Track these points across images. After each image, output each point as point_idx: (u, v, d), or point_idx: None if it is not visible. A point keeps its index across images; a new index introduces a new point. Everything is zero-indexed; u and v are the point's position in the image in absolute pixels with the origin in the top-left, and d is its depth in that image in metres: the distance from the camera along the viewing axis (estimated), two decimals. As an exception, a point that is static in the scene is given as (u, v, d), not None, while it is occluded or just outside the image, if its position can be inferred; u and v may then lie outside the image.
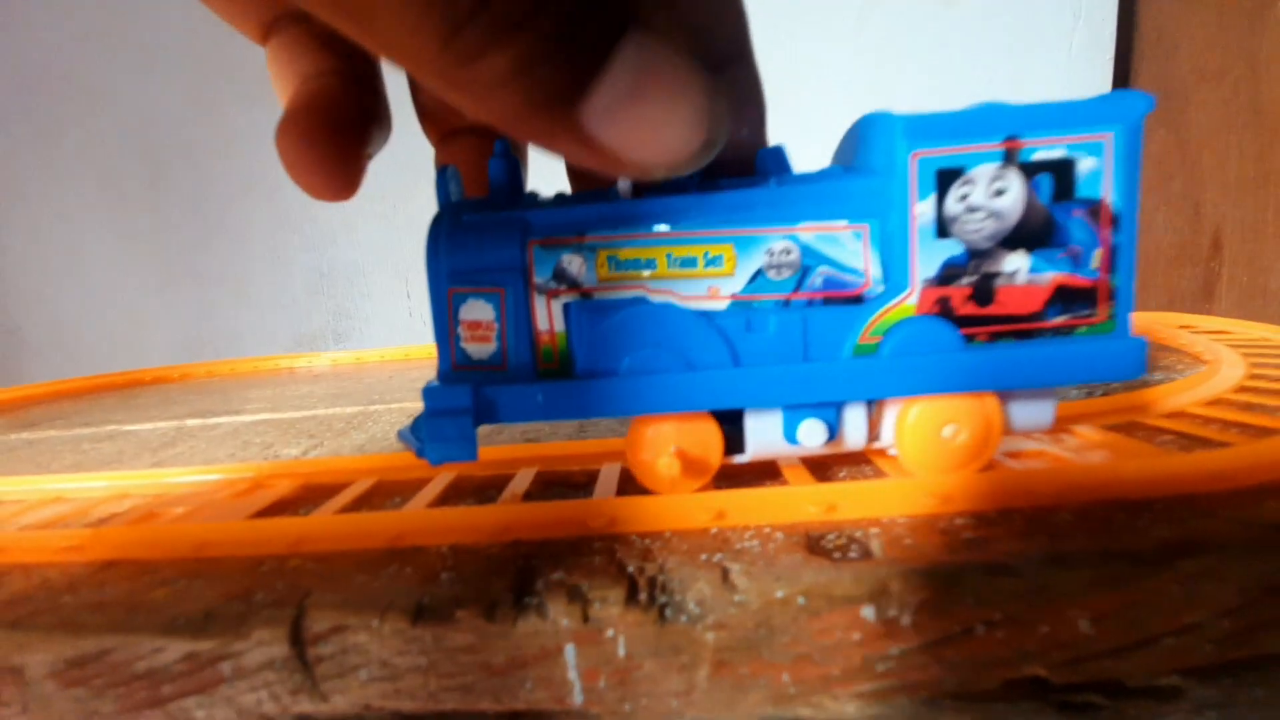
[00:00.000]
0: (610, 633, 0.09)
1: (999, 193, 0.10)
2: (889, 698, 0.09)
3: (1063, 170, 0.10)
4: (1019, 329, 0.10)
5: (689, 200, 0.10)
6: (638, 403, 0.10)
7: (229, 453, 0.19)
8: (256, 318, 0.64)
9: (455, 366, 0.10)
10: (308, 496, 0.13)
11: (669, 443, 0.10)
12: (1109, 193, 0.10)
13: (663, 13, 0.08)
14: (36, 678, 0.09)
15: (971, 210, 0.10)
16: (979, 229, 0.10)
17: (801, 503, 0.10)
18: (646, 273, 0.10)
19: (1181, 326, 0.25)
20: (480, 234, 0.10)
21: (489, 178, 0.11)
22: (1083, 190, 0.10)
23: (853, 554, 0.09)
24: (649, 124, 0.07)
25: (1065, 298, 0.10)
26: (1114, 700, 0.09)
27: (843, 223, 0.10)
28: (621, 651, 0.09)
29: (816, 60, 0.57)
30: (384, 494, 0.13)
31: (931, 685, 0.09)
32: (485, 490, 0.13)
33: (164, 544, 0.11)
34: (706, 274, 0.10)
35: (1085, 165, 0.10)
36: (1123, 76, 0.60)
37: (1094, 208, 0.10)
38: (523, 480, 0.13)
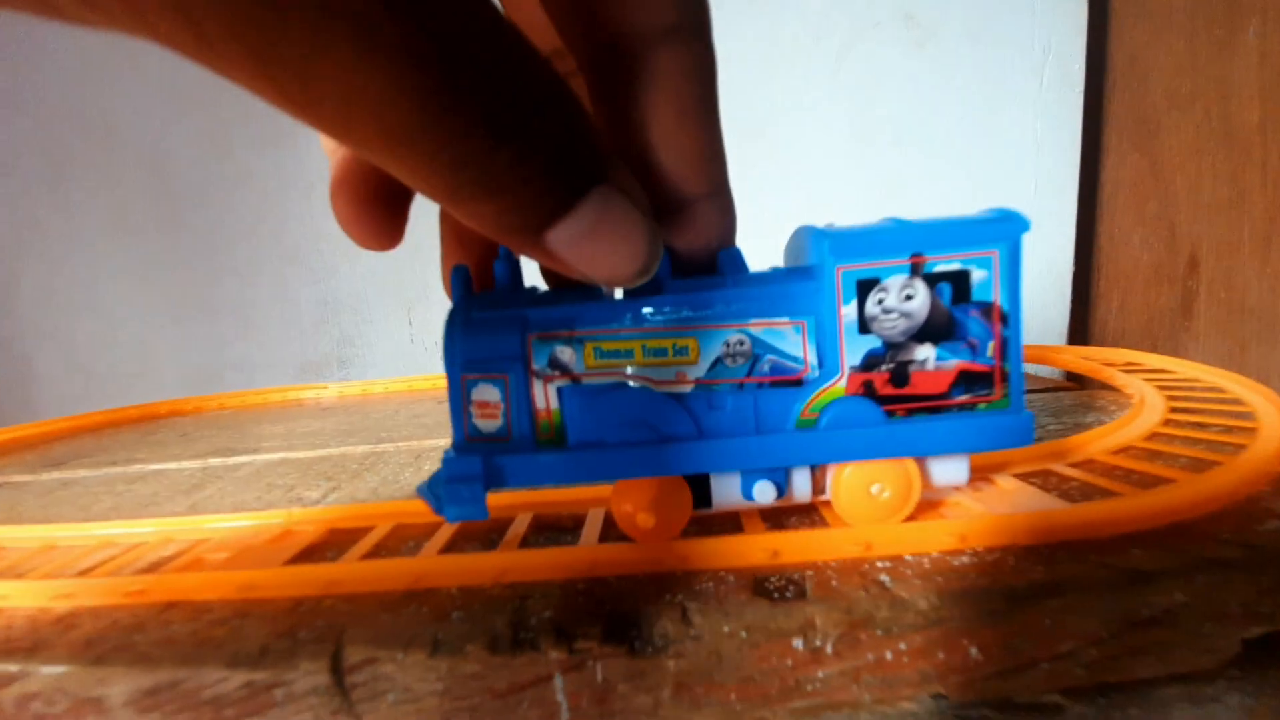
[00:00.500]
0: (590, 663, 0.11)
1: (908, 297, 0.12)
2: (818, 712, 0.11)
3: (960, 279, 0.12)
4: (930, 405, 0.12)
5: (661, 300, 0.12)
6: (621, 469, 0.12)
7: (255, 495, 0.21)
8: (264, 347, 0.66)
9: (468, 438, 0.12)
10: (334, 540, 0.15)
11: (646, 499, 0.13)
12: (998, 296, 0.12)
13: (625, 169, 0.11)
14: (115, 706, 0.11)
15: (886, 312, 0.12)
16: (893, 326, 0.12)
17: (752, 549, 0.12)
18: (626, 361, 0.12)
19: (1126, 364, 0.27)
20: (488, 329, 0.12)
21: (494, 277, 0.13)
22: (977, 295, 0.12)
23: (789, 594, 0.11)
24: (599, 254, 0.10)
25: (967, 380, 0.12)
26: (1004, 715, 0.11)
27: (785, 319, 0.12)
28: (600, 677, 0.11)
29: (798, 101, 0.60)
30: (400, 538, 0.15)
31: (851, 702, 0.11)
32: (488, 534, 0.15)
33: (217, 587, 0.13)
34: (675, 362, 0.12)
35: (978, 275, 0.12)
36: (1095, 106, 0.63)
37: (987, 308, 0.12)
38: (520, 524, 0.15)
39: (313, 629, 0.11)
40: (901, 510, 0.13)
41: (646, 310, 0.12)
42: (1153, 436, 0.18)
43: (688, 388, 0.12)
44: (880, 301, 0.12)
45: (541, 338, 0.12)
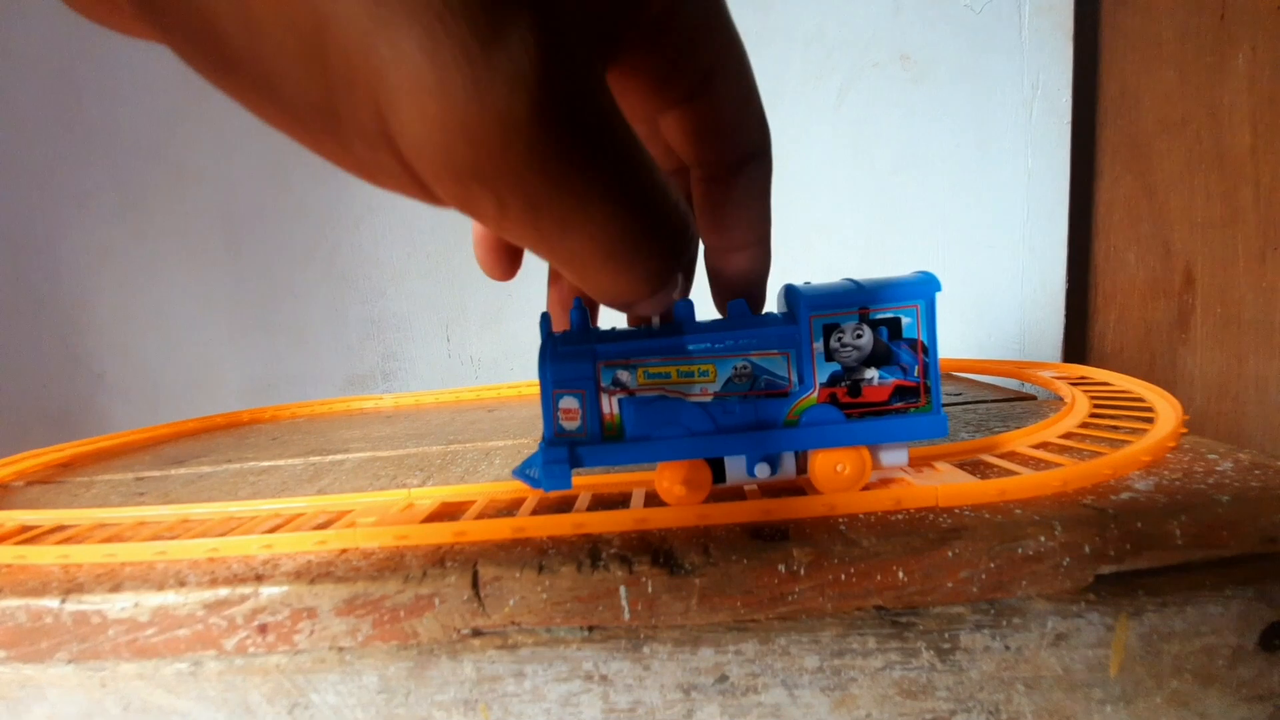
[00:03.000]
0: (643, 580, 0.16)
1: (858, 336, 0.18)
2: (795, 616, 0.16)
3: (893, 323, 0.18)
4: (876, 410, 0.18)
5: (689, 339, 0.18)
6: (662, 455, 0.18)
7: (367, 482, 0.27)
8: (315, 362, 0.73)
9: (556, 435, 0.18)
10: (447, 510, 0.21)
11: (680, 476, 0.18)
12: (921, 335, 0.18)
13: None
14: (324, 612, 0.17)
15: (844, 346, 0.18)
16: (849, 356, 0.18)
17: (751, 509, 0.18)
18: (665, 381, 0.18)
19: (1079, 378, 0.32)
20: (571, 358, 0.18)
21: (571, 321, 0.19)
22: (906, 333, 0.18)
23: (775, 537, 0.17)
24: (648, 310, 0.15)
25: (901, 392, 0.18)
26: (921, 619, 0.16)
27: (776, 351, 0.18)
28: (649, 589, 0.16)
29: (803, 135, 0.66)
30: (495, 508, 0.21)
31: (818, 610, 0.16)
32: (559, 505, 0.20)
33: (378, 537, 0.19)
34: (699, 380, 0.18)
35: (906, 321, 0.18)
36: (1087, 133, 0.68)
37: (913, 343, 0.18)
38: (584, 499, 0.21)
39: (454, 561, 0.17)
40: (858, 483, 0.18)
41: (680, 345, 0.18)
42: (1068, 435, 0.23)
43: (708, 398, 0.18)
44: (839, 339, 0.18)
45: (607, 364, 0.18)
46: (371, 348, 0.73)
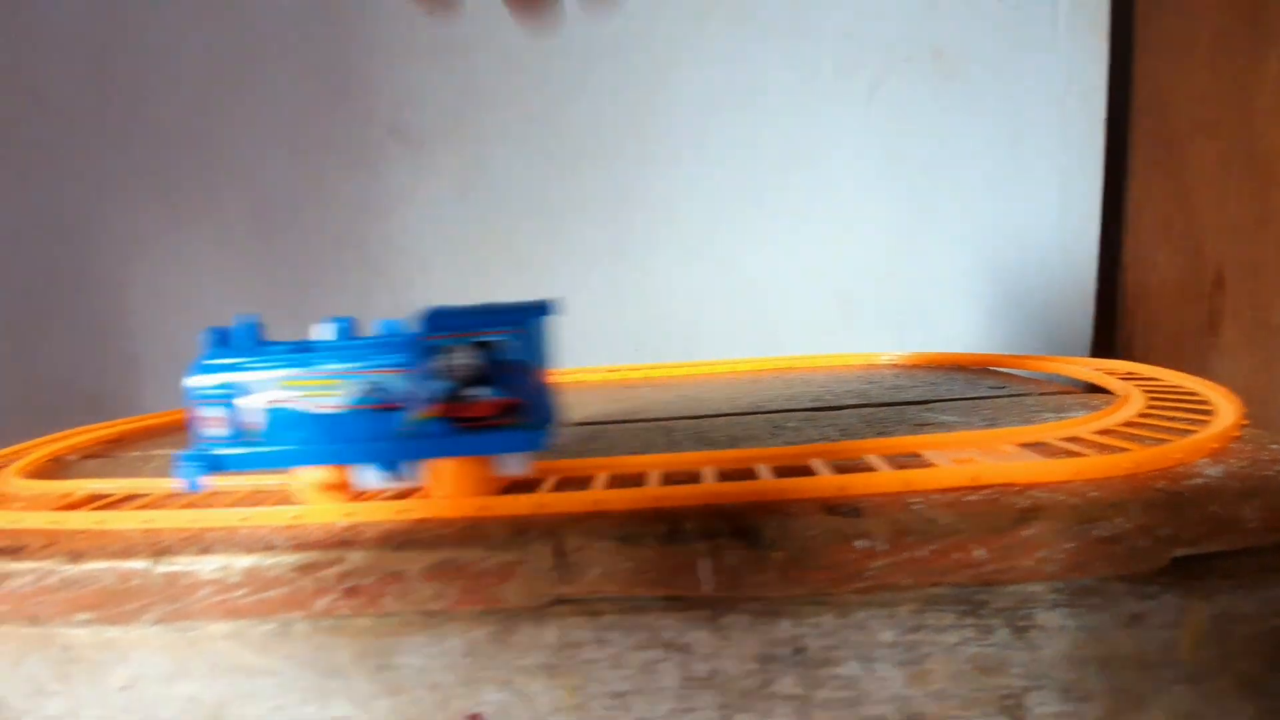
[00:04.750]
0: (723, 553, 0.16)
1: (467, 357, 0.19)
2: (872, 591, 0.17)
3: (500, 345, 0.19)
4: (485, 424, 0.19)
5: (324, 355, 0.20)
6: (294, 461, 0.19)
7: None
8: (344, 349, 0.74)
9: (202, 440, 0.19)
10: (522, 482, 0.21)
11: (315, 478, 0.20)
12: (526, 356, 0.19)
13: None
14: (411, 576, 0.17)
15: (453, 366, 0.19)
16: (459, 374, 0.19)
17: (827, 485, 0.18)
18: (301, 394, 0.19)
19: (1127, 373, 0.32)
20: (217, 370, 0.20)
21: (234, 334, 0.20)
22: (513, 355, 0.19)
23: (852, 513, 0.17)
24: None
25: (507, 409, 0.19)
26: (998, 597, 0.17)
27: (397, 369, 0.19)
28: (729, 563, 0.16)
29: (832, 131, 0.66)
30: (565, 483, 0.21)
31: (895, 585, 0.16)
32: (635, 480, 0.21)
33: (461, 508, 0.19)
34: (329, 394, 0.19)
35: (513, 344, 0.19)
36: (1119, 133, 0.67)
37: (520, 364, 0.19)
38: (655, 476, 0.21)
39: (537, 530, 0.18)
40: (473, 490, 0.19)
41: (316, 360, 0.19)
42: (1129, 424, 0.23)
43: (337, 410, 0.19)
44: (450, 359, 0.19)
45: (250, 378, 0.19)
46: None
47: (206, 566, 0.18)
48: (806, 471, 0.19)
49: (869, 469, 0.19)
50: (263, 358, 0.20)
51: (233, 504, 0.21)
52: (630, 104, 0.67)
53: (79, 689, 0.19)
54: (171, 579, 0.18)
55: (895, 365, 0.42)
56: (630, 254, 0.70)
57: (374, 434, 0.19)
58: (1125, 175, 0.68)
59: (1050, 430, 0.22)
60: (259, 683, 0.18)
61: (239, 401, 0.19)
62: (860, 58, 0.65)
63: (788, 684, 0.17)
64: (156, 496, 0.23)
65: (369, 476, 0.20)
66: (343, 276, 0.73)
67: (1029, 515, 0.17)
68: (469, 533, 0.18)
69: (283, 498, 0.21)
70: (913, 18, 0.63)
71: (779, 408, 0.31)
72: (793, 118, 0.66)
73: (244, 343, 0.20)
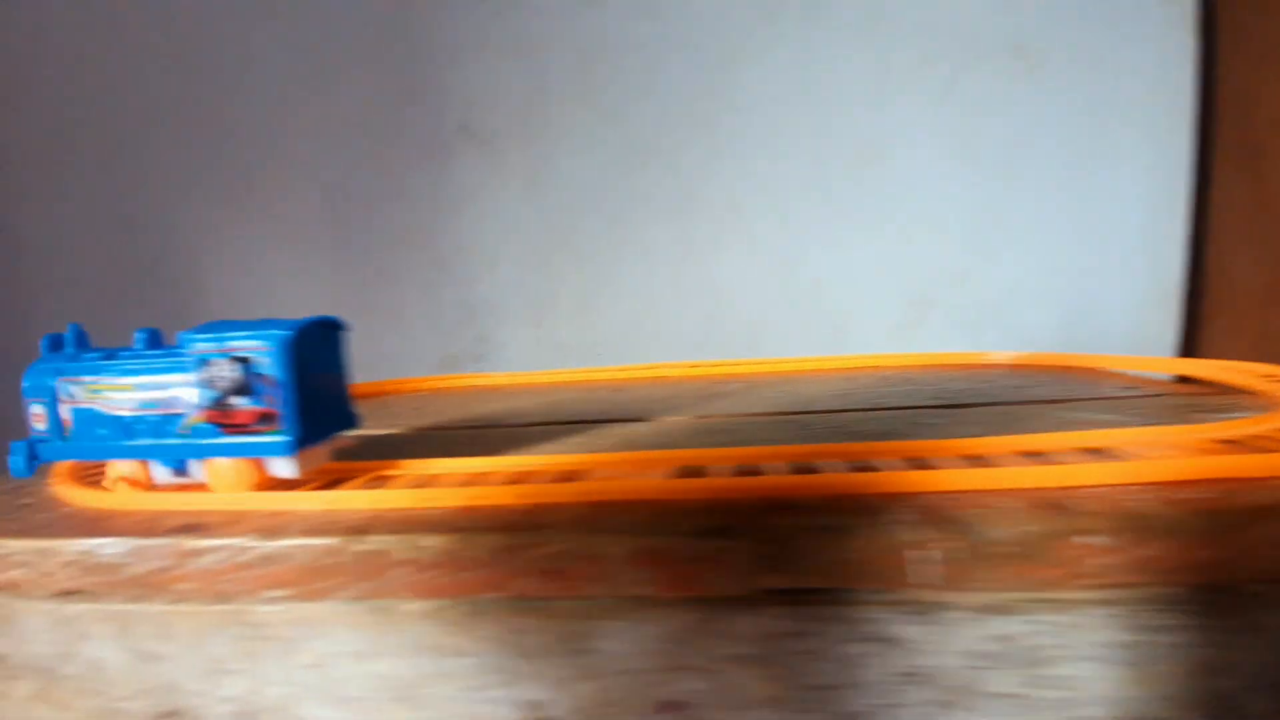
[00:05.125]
0: (941, 545, 0.16)
1: (226, 370, 0.20)
2: (1097, 589, 0.16)
3: (254, 359, 0.20)
4: (244, 429, 0.21)
5: (126, 363, 0.22)
6: (97, 454, 0.23)
7: (550, 449, 0.27)
8: (411, 342, 0.75)
9: (30, 434, 0.23)
10: (690, 464, 0.21)
11: (125, 471, 0.22)
12: (275, 371, 0.20)
13: None
14: (614, 559, 0.17)
15: (217, 377, 0.20)
16: (221, 385, 0.20)
17: (1045, 476, 0.17)
18: (100, 396, 0.22)
19: (1267, 375, 0.30)
20: (42, 373, 0.22)
21: (65, 340, 0.23)
22: (265, 370, 0.20)
23: (1073, 510, 0.16)
24: None
25: (262, 417, 0.21)
26: (1228, 597, 0.16)
27: (177, 377, 0.21)
28: (940, 556, 0.16)
29: (907, 126, 0.64)
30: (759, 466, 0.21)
31: (1120, 583, 0.16)
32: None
33: (644, 490, 0.19)
34: (123, 398, 0.22)
35: (263, 360, 0.20)
36: (1203, 132, 0.65)
37: (270, 379, 0.20)
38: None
39: (743, 518, 0.17)
40: (242, 486, 0.21)
41: (118, 368, 0.22)
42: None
43: (127, 413, 0.22)
44: (212, 370, 0.20)
45: (65, 380, 0.22)
46: (464, 331, 0.75)
47: (401, 545, 0.18)
48: (981, 464, 0.19)
49: (1063, 464, 0.19)
50: (77, 364, 0.23)
51: (409, 485, 0.21)
52: (699, 100, 0.67)
53: (263, 667, 0.19)
54: (367, 557, 0.18)
55: (1003, 365, 0.40)
56: (695, 252, 0.69)
57: (157, 434, 0.22)
58: (1208, 176, 0.66)
59: (1236, 428, 0.21)
60: (452, 663, 0.18)
61: (61, 401, 0.23)
62: (937, 51, 0.63)
63: (1007, 681, 0.16)
64: (328, 475, 0.23)
65: (159, 472, 0.23)
66: (410, 272, 0.74)
67: (1262, 513, 0.16)
68: (676, 519, 0.18)
69: (455, 480, 0.21)
70: (993, 10, 0.62)
71: (900, 404, 0.30)
72: (865, 112, 0.65)
73: (69, 348, 0.24)
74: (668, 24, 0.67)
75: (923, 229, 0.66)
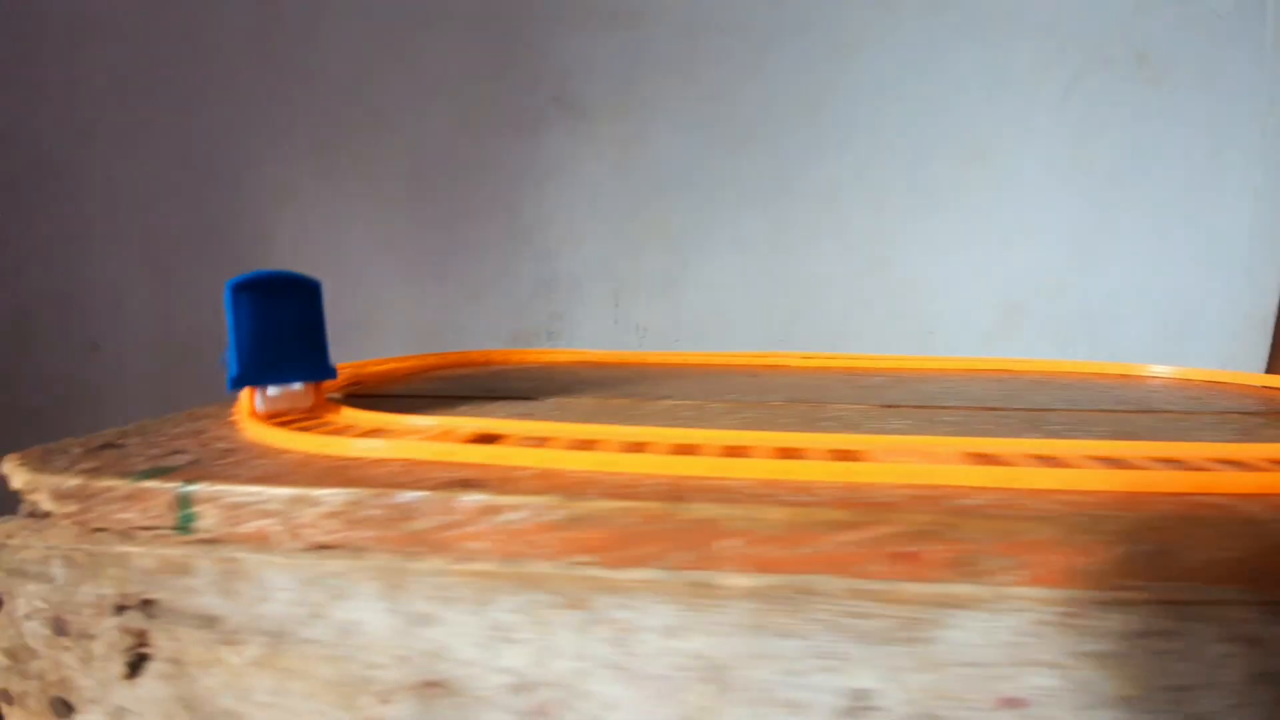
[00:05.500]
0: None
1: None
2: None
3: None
4: None
5: None
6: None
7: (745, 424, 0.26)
8: (484, 315, 0.73)
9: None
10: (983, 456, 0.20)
11: None
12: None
13: None
14: (978, 543, 0.16)
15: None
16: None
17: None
18: None
19: None
20: None
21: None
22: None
23: None
24: None
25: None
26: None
27: None
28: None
29: (1020, 129, 0.63)
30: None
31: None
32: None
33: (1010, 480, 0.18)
34: None
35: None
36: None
37: None
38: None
39: (1103, 514, 0.16)
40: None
41: None
42: None
43: None
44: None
45: None
46: (540, 306, 0.73)
47: (734, 514, 0.17)
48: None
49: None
50: None
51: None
52: (807, 87, 0.66)
53: (553, 638, 0.18)
54: (694, 526, 0.17)
55: (1161, 379, 0.40)
56: (787, 243, 0.68)
57: None
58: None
59: None
60: (775, 644, 0.17)
61: None
62: (1059, 55, 0.62)
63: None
64: (565, 439, 0.22)
65: None
66: (490, 244, 0.72)
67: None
68: (1035, 509, 0.17)
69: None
70: (1119, 17, 0.61)
71: (1095, 407, 0.30)
72: (978, 113, 0.64)
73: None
74: (781, 4, 0.65)
75: (1023, 235, 0.65)
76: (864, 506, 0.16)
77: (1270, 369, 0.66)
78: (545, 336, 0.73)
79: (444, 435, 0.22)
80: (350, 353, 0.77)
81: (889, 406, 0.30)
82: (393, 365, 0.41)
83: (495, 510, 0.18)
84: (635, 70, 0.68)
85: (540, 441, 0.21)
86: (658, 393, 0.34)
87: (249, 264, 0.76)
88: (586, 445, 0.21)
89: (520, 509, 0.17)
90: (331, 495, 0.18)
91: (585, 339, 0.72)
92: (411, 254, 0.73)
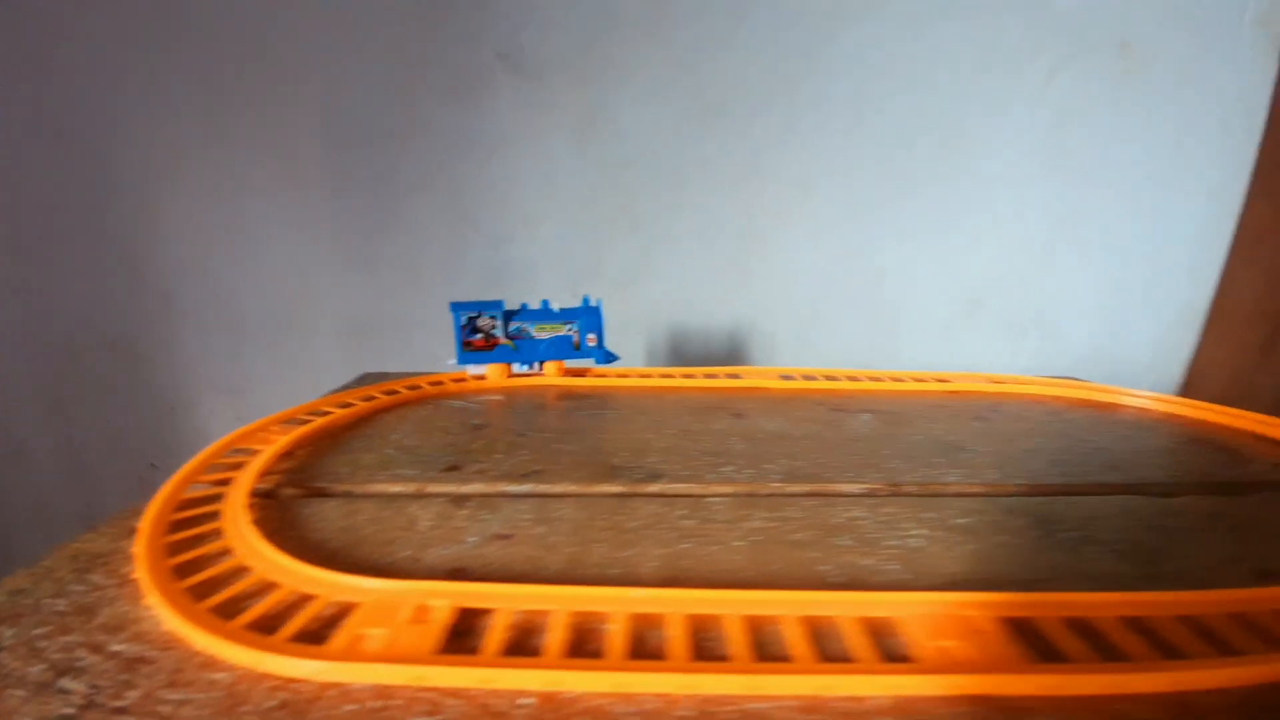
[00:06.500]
0: None
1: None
2: None
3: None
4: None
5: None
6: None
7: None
8: (427, 305, 0.66)
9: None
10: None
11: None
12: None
13: None
14: None
15: None
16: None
17: None
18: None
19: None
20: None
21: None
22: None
23: None
24: None
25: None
26: None
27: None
28: None
29: (998, 118, 0.60)
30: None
31: None
32: None
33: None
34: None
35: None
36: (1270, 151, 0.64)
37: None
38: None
39: None
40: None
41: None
42: None
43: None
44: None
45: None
46: (491, 296, 0.67)
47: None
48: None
49: None
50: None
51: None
52: (784, 60, 0.60)
53: None
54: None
55: (1136, 408, 0.40)
56: (758, 228, 0.64)
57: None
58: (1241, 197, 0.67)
59: None
60: None
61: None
62: (1042, 41, 0.59)
63: None
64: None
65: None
66: (429, 225, 0.64)
67: None
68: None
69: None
70: (1104, 3, 0.58)
71: (1086, 479, 0.29)
72: (957, 99, 0.60)
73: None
74: (761, -37, 0.57)
75: (990, 227, 0.64)
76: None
77: (1195, 362, 0.70)
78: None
79: (417, 619, 0.18)
80: (276, 349, 0.68)
81: (895, 491, 0.28)
82: (333, 416, 0.36)
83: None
84: (597, 28, 0.59)
85: (530, 634, 0.18)
86: (641, 465, 0.30)
87: (130, 244, 0.64)
88: (588, 638, 0.17)
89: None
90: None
91: (541, 331, 0.67)
92: (335, 235, 0.64)
